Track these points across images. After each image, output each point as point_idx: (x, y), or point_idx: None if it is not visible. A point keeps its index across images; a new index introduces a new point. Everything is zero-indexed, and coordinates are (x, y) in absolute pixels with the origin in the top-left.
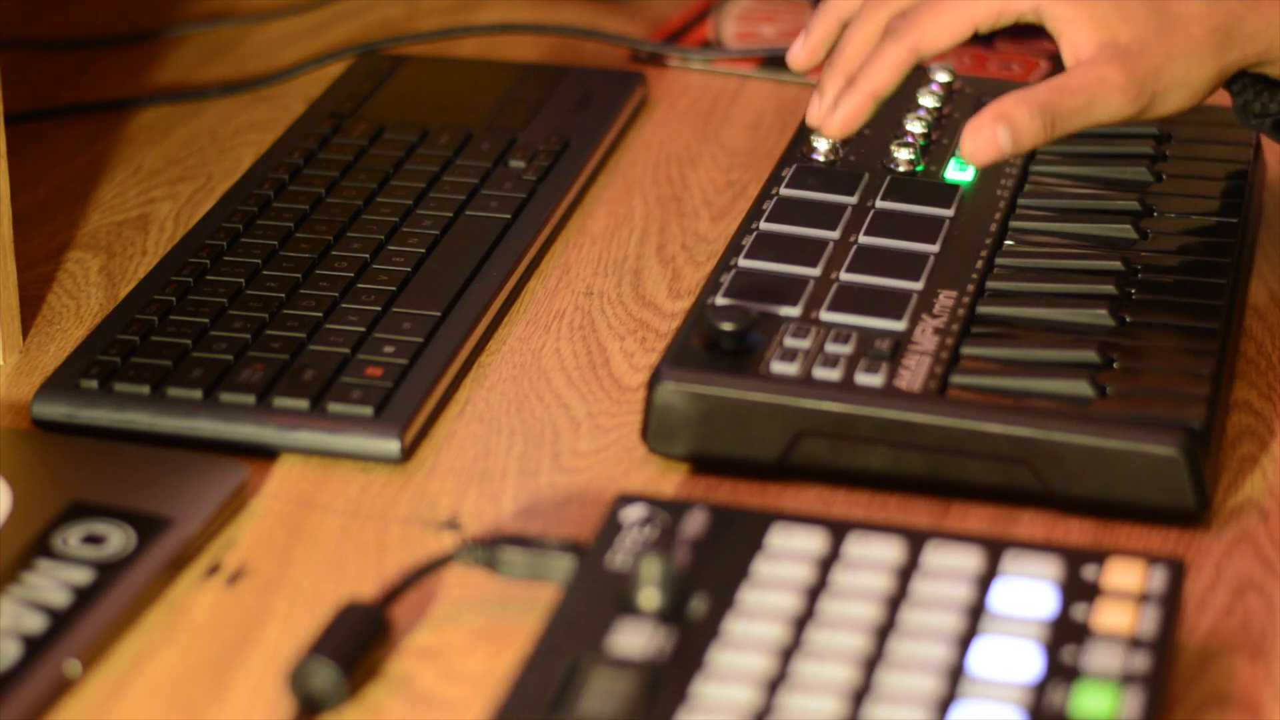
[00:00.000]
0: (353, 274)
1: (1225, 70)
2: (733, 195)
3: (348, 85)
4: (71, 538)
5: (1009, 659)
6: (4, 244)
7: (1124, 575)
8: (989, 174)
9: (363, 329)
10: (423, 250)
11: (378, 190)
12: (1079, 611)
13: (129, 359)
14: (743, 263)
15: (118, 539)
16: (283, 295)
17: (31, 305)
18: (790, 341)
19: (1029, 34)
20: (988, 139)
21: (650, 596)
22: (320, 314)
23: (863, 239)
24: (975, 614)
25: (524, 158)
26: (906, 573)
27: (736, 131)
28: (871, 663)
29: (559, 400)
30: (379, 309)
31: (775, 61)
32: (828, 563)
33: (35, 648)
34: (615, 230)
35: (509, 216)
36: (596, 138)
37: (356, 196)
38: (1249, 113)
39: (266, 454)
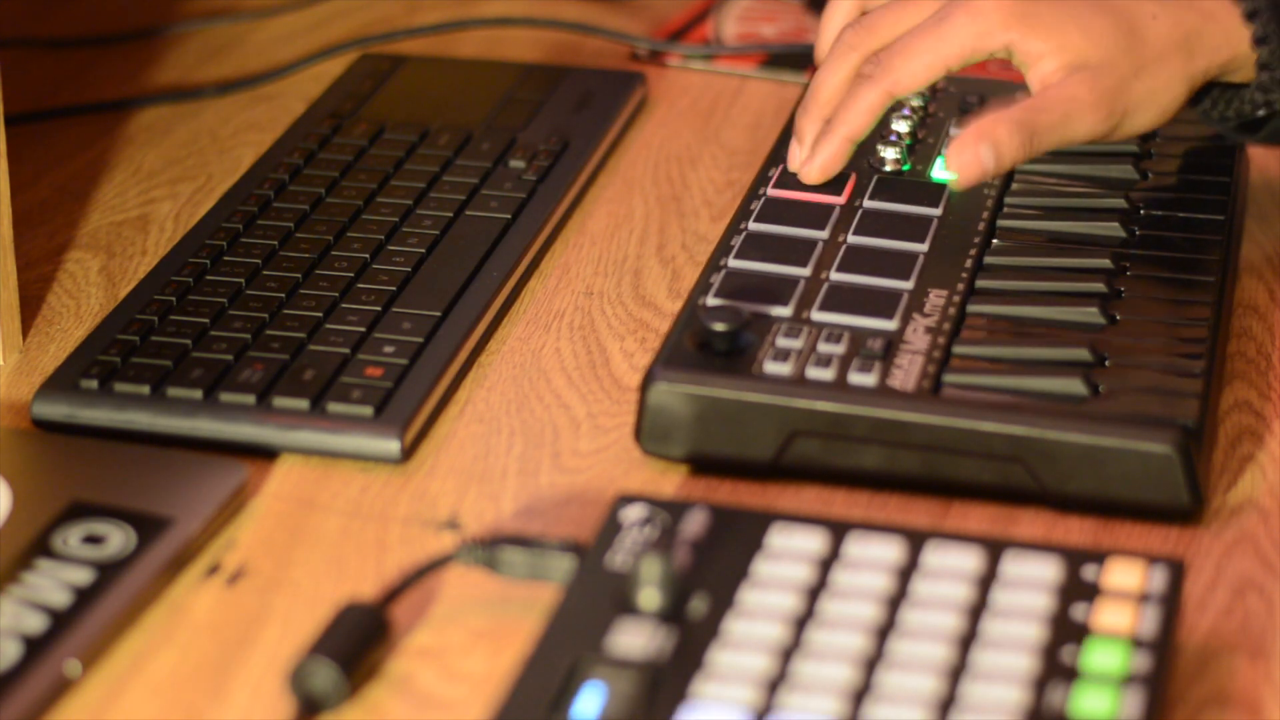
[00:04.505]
0: (353, 274)
1: (1193, 83)
2: (733, 195)
3: (348, 85)
4: (71, 538)
5: (1009, 659)
6: (4, 244)
7: (1124, 575)
8: None
9: (363, 329)
10: (423, 250)
11: (378, 190)
12: (1079, 611)
13: (129, 359)
14: (732, 263)
15: (118, 539)
16: (283, 295)
17: (31, 305)
18: (782, 341)
19: None
20: (971, 158)
21: (650, 596)
22: (320, 314)
23: (852, 239)
24: (975, 614)
25: (524, 158)
26: (906, 573)
27: (736, 131)
28: (871, 663)
29: (559, 400)
30: (379, 309)
31: (775, 61)
32: (828, 563)
33: (35, 648)
34: (615, 230)
35: (509, 216)
36: (596, 138)
37: (356, 196)
38: (1209, 117)
39: (266, 454)
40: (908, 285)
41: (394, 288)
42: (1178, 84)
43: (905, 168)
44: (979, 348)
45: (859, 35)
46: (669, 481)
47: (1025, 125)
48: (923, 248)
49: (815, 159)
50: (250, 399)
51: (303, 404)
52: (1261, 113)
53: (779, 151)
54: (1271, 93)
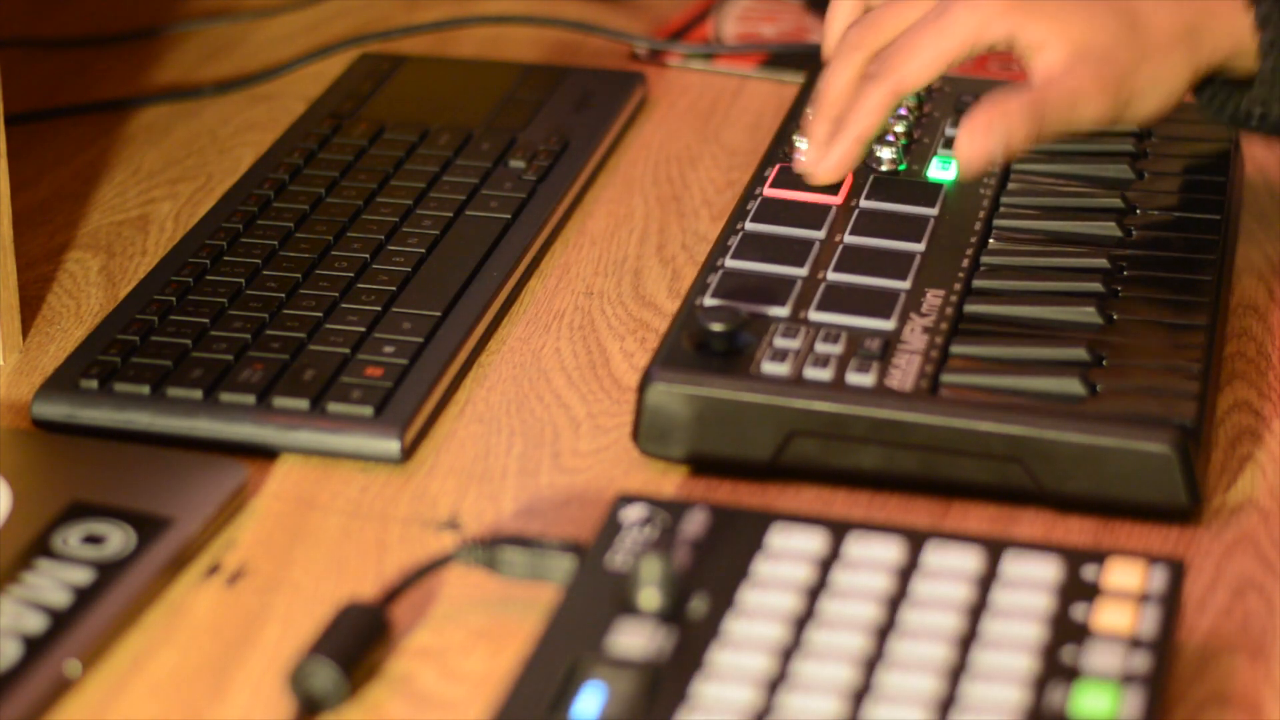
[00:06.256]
0: (353, 274)
1: (1198, 70)
2: (733, 195)
3: (348, 85)
4: (71, 538)
5: (1009, 659)
6: (4, 244)
7: (1124, 575)
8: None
9: (363, 329)
10: (423, 250)
11: (378, 190)
12: (1079, 611)
13: (129, 359)
14: (730, 263)
15: (118, 539)
16: (283, 295)
17: (31, 305)
18: (780, 342)
19: None
20: (982, 143)
21: (650, 596)
22: (320, 314)
23: (848, 239)
24: (975, 614)
25: (524, 158)
26: (906, 573)
27: (736, 131)
28: (871, 663)
29: (559, 400)
30: (379, 309)
31: (775, 61)
32: (828, 563)
33: (35, 648)
34: (615, 230)
35: (509, 216)
36: (596, 138)
37: (356, 196)
38: (1209, 108)
39: (266, 454)
40: (905, 285)
41: (394, 288)
42: (1182, 73)
43: (901, 167)
44: (976, 347)
45: (862, 34)
46: (669, 481)
47: (1035, 110)
48: (920, 247)
49: (827, 159)
50: (250, 399)
51: (303, 404)
52: (1254, 124)
53: (776, 152)
54: (1270, 105)
